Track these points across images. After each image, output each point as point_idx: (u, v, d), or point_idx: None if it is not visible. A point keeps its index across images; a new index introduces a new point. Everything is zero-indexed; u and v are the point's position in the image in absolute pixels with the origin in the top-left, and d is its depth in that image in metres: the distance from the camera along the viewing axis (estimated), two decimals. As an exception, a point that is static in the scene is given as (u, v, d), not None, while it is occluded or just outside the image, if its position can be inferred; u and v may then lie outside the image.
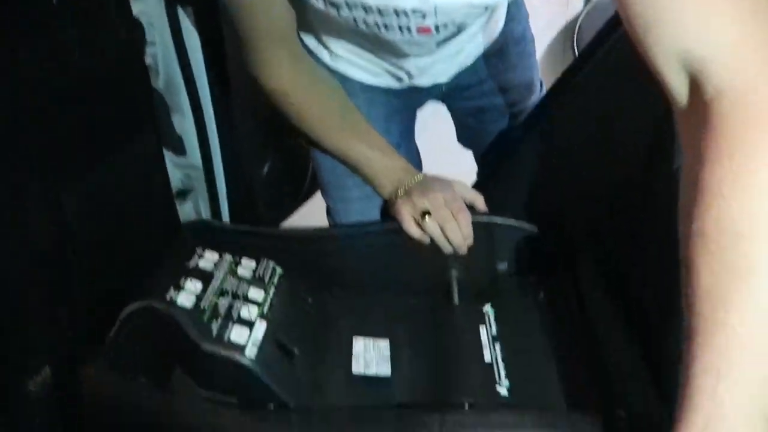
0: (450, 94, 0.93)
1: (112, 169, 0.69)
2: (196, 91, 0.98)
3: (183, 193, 1.07)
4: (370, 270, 0.73)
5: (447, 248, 0.70)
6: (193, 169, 1.06)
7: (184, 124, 0.99)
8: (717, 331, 0.34)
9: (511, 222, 0.71)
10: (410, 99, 0.93)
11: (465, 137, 1.04)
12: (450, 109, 1.00)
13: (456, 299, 0.69)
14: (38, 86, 0.58)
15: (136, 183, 0.74)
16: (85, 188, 0.64)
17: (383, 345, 0.64)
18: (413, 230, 0.70)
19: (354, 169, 0.78)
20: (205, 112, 1.00)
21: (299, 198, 1.20)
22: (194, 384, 0.54)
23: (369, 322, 0.68)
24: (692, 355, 0.34)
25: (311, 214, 1.16)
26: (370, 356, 0.63)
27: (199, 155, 1.04)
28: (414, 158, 0.99)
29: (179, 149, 1.02)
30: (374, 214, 0.92)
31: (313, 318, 0.63)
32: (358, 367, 0.61)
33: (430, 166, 0.88)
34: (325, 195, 0.98)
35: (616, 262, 0.70)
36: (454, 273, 0.71)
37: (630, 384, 0.51)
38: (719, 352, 0.33)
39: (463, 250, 0.70)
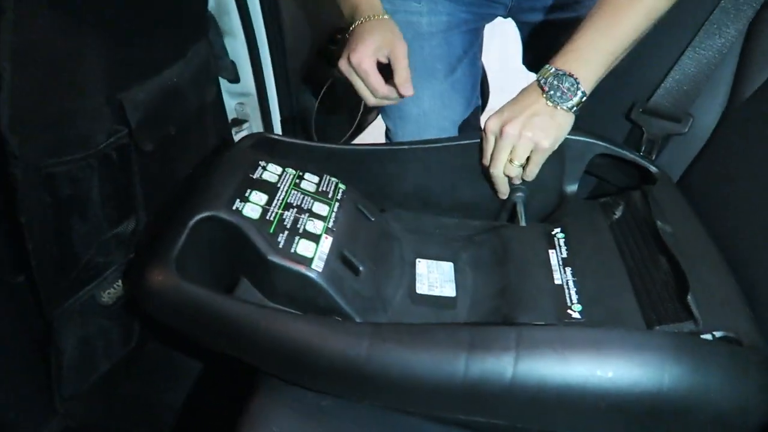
0: (518, 7, 0.87)
1: (169, 78, 0.68)
2: (248, 14, 0.95)
3: (238, 122, 1.06)
4: (432, 190, 0.70)
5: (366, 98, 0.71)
6: (247, 96, 1.05)
7: (236, 47, 0.98)
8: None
9: (583, 137, 0.65)
10: (477, 10, 0.88)
11: (531, 58, 0.98)
12: (518, 23, 0.94)
13: (523, 222, 0.65)
14: None
15: (190, 92, 0.73)
16: (143, 94, 0.63)
17: (447, 267, 0.62)
18: (341, 67, 0.70)
19: None
20: (257, 36, 0.98)
21: (353, 129, 1.18)
22: (258, 294, 0.54)
23: (431, 243, 0.66)
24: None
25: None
26: (434, 277, 0.61)
27: (252, 82, 1.02)
28: (474, 77, 0.95)
29: (233, 75, 1.00)
30: (431, 133, 0.89)
31: (375, 237, 0.61)
32: (422, 288, 0.59)
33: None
34: (383, 115, 0.96)
35: (699, 186, 0.65)
36: (519, 195, 0.67)
37: (719, 309, 0.47)
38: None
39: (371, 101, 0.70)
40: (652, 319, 0.50)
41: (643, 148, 0.68)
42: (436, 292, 0.59)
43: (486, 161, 0.65)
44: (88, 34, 0.57)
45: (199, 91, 0.75)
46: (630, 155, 0.66)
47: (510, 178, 0.65)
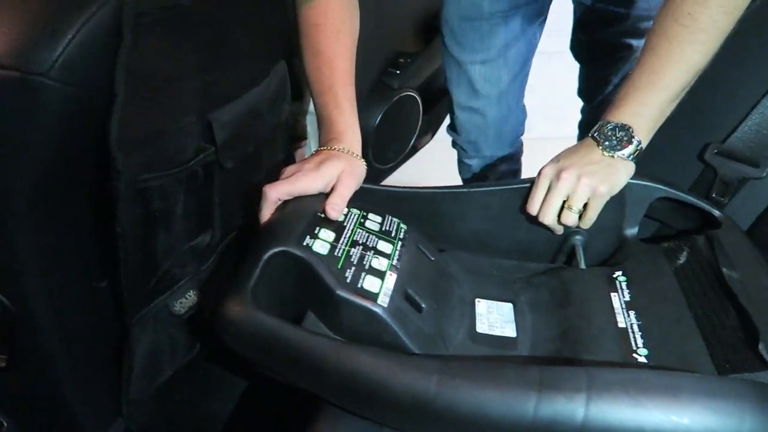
0: None
1: (252, 98, 0.71)
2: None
3: (297, 139, 1.09)
4: (490, 232, 0.71)
5: None
6: (308, 114, 1.07)
7: (301, 67, 1.00)
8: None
9: (644, 181, 0.65)
10: None
11: (580, 48, 0.99)
12: (575, 2, 0.96)
13: (583, 264, 0.66)
14: (201, 23, 0.61)
15: (268, 111, 0.76)
16: (229, 114, 0.66)
17: (506, 307, 0.63)
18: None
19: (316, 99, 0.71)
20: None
21: (407, 150, 1.20)
22: (324, 327, 0.55)
23: (489, 284, 0.66)
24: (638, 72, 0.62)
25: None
26: (494, 317, 0.61)
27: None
28: (525, 56, 1.01)
29: (295, 93, 1.03)
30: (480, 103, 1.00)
31: (435, 276, 0.62)
32: (482, 327, 0.60)
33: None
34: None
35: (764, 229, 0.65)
36: (578, 238, 0.67)
37: None
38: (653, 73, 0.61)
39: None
40: (724, 367, 0.50)
41: (714, 191, 0.68)
42: (497, 332, 0.59)
43: (533, 208, 0.65)
44: (186, 57, 0.60)
45: (276, 110, 0.78)
46: (692, 199, 0.66)
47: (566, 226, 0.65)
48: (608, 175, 0.61)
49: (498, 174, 1.13)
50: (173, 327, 0.71)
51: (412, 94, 1.18)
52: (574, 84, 1.09)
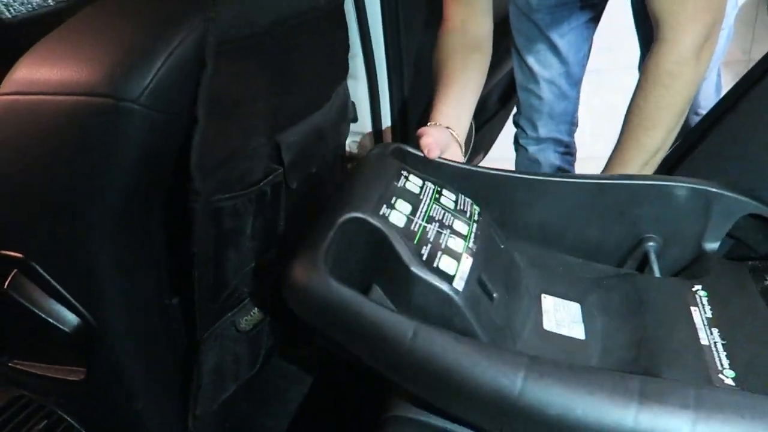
0: None
1: (317, 119, 0.73)
2: (373, 60, 1.00)
3: (350, 158, 1.11)
4: (556, 225, 0.68)
5: None
6: (362, 135, 1.09)
7: (357, 90, 1.03)
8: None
9: (735, 194, 0.61)
10: None
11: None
12: None
13: (657, 272, 0.63)
14: (272, 48, 0.63)
15: (331, 133, 0.78)
16: (295, 136, 0.68)
17: (574, 307, 0.60)
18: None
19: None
20: (379, 81, 1.02)
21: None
22: (389, 303, 0.53)
23: (555, 280, 0.63)
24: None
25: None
26: (561, 316, 0.59)
27: (369, 122, 1.07)
28: (576, 47, 1.08)
29: (353, 115, 1.05)
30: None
31: (505, 264, 0.60)
32: (549, 325, 0.57)
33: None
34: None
35: None
36: (651, 245, 0.64)
37: None
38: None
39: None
40: None
41: None
42: (565, 332, 0.57)
43: None
44: (257, 81, 0.62)
45: (337, 131, 0.80)
46: None
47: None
48: None
49: (550, 164, 1.21)
50: (238, 343, 0.72)
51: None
52: (623, 102, 1.08)
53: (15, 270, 0.59)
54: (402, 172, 0.61)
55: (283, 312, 0.77)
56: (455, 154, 0.74)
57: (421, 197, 0.59)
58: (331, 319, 0.49)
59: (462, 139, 0.78)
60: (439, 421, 0.52)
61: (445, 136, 0.74)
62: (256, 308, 0.72)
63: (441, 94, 0.81)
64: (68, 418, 0.69)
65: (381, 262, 0.52)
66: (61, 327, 0.60)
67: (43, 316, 0.60)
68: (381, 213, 0.53)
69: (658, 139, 0.74)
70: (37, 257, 0.58)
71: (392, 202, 0.55)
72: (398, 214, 0.54)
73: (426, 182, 0.61)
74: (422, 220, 0.56)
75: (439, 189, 0.61)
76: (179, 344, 0.69)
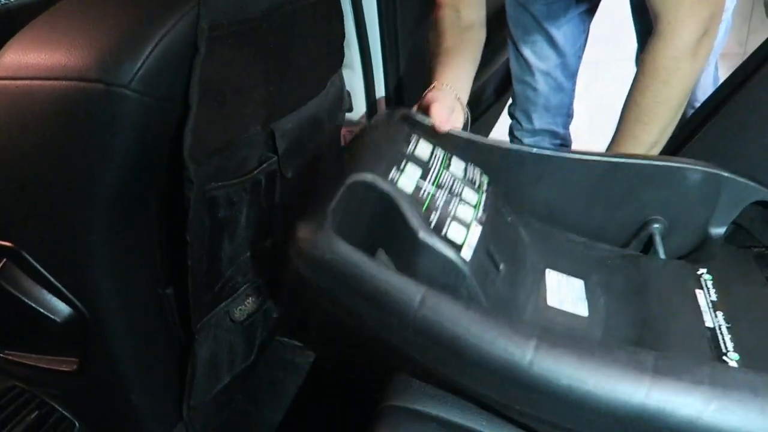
0: None
1: (311, 108, 0.72)
2: (368, 49, 0.99)
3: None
4: (562, 203, 0.67)
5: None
6: (357, 124, 1.08)
7: (353, 79, 1.02)
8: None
9: (745, 179, 0.59)
10: None
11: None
12: None
13: (662, 254, 0.62)
14: (268, 35, 0.62)
15: (326, 121, 0.77)
16: (290, 124, 0.67)
17: (577, 284, 0.59)
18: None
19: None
20: (374, 71, 1.01)
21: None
22: (393, 268, 0.50)
23: (559, 257, 0.63)
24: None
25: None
26: (565, 292, 0.58)
27: (365, 112, 1.06)
28: (572, 39, 1.07)
29: (348, 105, 1.04)
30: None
31: (512, 237, 0.59)
32: (553, 300, 0.57)
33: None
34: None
35: None
36: (657, 227, 0.63)
37: None
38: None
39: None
40: None
41: None
42: (568, 309, 0.56)
43: None
44: (253, 69, 0.62)
45: (333, 120, 0.79)
46: None
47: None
48: None
49: None
50: (232, 334, 0.72)
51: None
52: (620, 93, 1.08)
53: (5, 259, 0.58)
54: (412, 136, 0.60)
55: (277, 303, 0.77)
56: (457, 119, 0.72)
57: (431, 163, 0.57)
58: (337, 280, 0.47)
59: (464, 101, 0.77)
60: (434, 410, 0.51)
61: (450, 100, 0.72)
62: (250, 298, 0.72)
63: (440, 63, 0.79)
64: (60, 409, 0.68)
65: (388, 227, 0.51)
66: (52, 317, 0.59)
67: (34, 305, 0.59)
68: (390, 177, 0.52)
69: (654, 133, 0.72)
70: (27, 246, 0.57)
71: (402, 166, 0.54)
72: (407, 178, 0.53)
73: (436, 148, 0.60)
74: (432, 186, 0.54)
75: (449, 156, 0.60)
76: (173, 335, 0.68)
